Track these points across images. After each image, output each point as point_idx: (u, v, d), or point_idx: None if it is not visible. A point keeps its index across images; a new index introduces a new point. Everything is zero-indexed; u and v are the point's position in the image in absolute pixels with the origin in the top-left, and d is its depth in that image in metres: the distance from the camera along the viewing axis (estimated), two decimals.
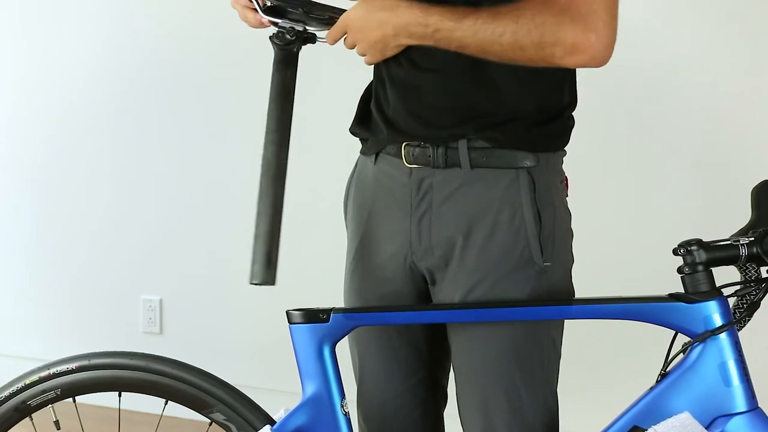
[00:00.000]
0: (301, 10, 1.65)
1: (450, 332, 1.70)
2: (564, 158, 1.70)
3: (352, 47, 1.63)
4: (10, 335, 3.79)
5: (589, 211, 2.91)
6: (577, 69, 1.67)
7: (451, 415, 1.82)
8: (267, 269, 1.59)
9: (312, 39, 1.68)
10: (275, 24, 1.67)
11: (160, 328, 3.60)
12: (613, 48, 1.50)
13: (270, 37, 1.66)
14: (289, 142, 1.63)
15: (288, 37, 1.65)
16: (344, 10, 1.62)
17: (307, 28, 1.67)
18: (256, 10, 1.67)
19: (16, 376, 1.76)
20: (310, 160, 3.06)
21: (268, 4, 1.66)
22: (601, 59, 1.50)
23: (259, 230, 1.63)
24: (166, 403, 1.71)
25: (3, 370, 3.52)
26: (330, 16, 1.65)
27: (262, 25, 1.70)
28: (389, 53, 1.61)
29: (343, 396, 1.63)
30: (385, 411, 1.78)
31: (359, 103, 1.78)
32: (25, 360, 3.66)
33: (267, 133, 1.63)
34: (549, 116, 1.62)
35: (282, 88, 1.65)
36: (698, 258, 1.51)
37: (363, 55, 1.62)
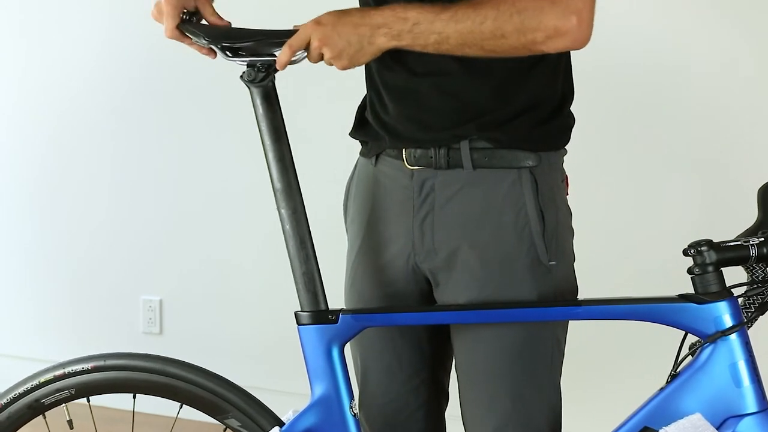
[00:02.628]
0: (262, 40, 1.57)
1: (454, 333, 1.70)
2: (565, 157, 1.70)
3: (318, 54, 1.54)
4: (10, 335, 3.78)
5: (591, 211, 2.91)
6: (572, 62, 1.67)
7: (451, 416, 1.82)
8: (314, 300, 1.62)
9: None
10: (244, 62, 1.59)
11: (160, 328, 3.59)
12: (592, 28, 1.49)
13: (240, 77, 1.59)
14: (298, 183, 1.61)
15: (261, 73, 1.57)
16: None
17: (275, 56, 1.58)
18: (213, 51, 1.61)
19: (16, 375, 1.76)
20: (309, 161, 3.06)
21: (225, 44, 1.58)
22: (582, 41, 1.49)
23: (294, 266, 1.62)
24: (180, 407, 1.71)
25: (3, 370, 3.50)
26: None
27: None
28: (363, 59, 1.54)
29: (351, 397, 1.63)
30: (387, 412, 1.78)
31: (357, 111, 1.78)
32: (25, 360, 3.66)
33: (273, 181, 1.60)
34: (549, 113, 1.62)
35: (273, 129, 1.59)
36: (708, 258, 1.51)
37: (331, 63, 1.54)
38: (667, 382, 1.55)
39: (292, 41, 1.53)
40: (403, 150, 1.65)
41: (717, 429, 1.50)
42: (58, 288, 3.70)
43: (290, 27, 1.56)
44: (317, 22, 1.53)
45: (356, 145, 1.81)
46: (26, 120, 3.68)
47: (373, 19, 1.51)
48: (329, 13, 1.54)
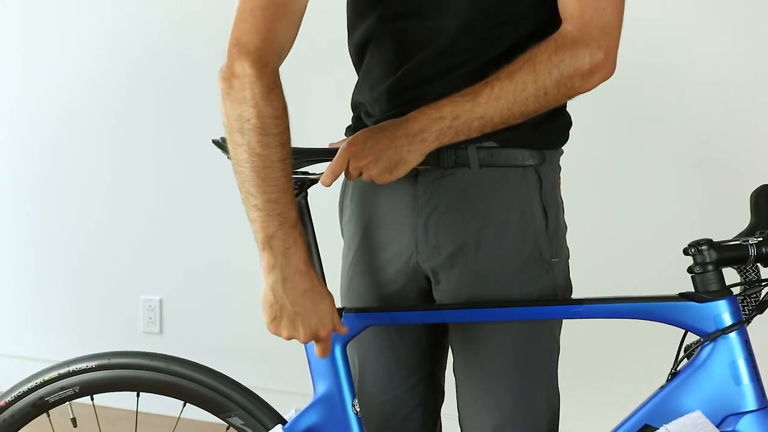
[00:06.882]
0: (296, 158, 1.56)
1: (453, 331, 1.70)
2: (566, 156, 1.71)
3: (357, 174, 1.55)
4: (10, 335, 3.79)
5: (592, 210, 2.92)
6: None
7: (447, 415, 1.82)
8: None
9: (316, 180, 1.60)
10: None
11: (160, 328, 3.60)
12: (617, 57, 1.53)
13: None
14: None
15: (294, 190, 1.53)
16: (336, 150, 1.57)
17: (309, 175, 1.60)
18: None
19: (16, 375, 1.76)
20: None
21: None
22: (611, 72, 1.53)
23: None
24: (184, 406, 1.71)
25: (3, 370, 3.50)
26: (327, 157, 1.57)
27: None
28: (405, 168, 1.54)
29: (354, 395, 1.63)
30: (385, 411, 1.78)
31: (353, 118, 1.77)
32: (25, 360, 3.66)
33: None
34: (552, 112, 1.62)
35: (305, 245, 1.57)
36: (709, 258, 1.52)
37: (372, 180, 1.55)
38: (668, 381, 1.56)
39: (334, 166, 1.54)
40: None
41: (717, 426, 1.50)
42: (58, 288, 3.71)
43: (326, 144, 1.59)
44: (352, 143, 1.54)
45: None
46: (26, 120, 3.69)
47: (408, 128, 1.52)
48: (363, 132, 1.56)
